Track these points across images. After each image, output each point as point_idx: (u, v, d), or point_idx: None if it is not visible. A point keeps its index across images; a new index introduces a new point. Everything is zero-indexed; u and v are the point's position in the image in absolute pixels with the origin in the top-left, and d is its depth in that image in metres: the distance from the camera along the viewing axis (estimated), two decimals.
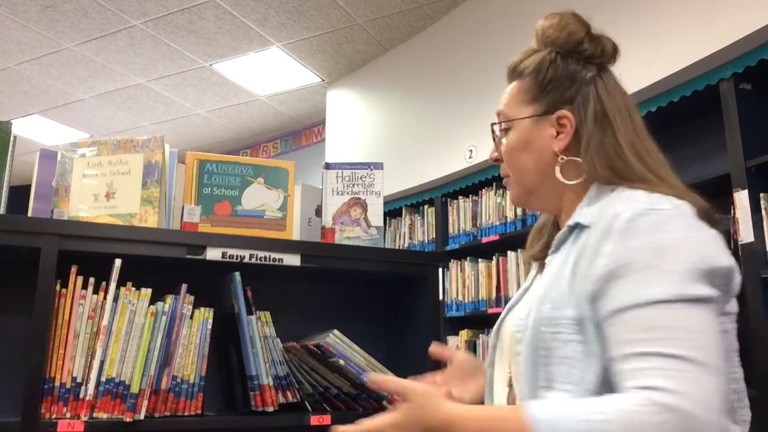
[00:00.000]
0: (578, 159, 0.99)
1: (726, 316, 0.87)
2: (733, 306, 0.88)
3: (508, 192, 1.11)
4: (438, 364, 1.28)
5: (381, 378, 0.94)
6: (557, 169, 1.00)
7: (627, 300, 0.80)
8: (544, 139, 1.02)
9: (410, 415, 0.85)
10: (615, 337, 0.81)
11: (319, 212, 1.88)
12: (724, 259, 0.84)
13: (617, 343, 0.80)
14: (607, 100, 1.01)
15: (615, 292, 0.82)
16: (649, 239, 0.83)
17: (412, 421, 0.85)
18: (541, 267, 1.07)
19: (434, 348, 1.19)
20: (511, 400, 0.98)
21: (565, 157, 1.00)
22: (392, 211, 4.02)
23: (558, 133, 1.01)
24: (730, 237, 2.22)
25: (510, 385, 1.00)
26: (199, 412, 1.52)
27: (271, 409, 1.55)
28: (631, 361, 0.77)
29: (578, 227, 0.94)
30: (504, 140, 1.06)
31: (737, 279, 0.87)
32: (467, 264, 3.46)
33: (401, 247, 3.95)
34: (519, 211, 3.22)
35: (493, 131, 1.09)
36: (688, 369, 0.74)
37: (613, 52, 1.05)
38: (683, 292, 0.79)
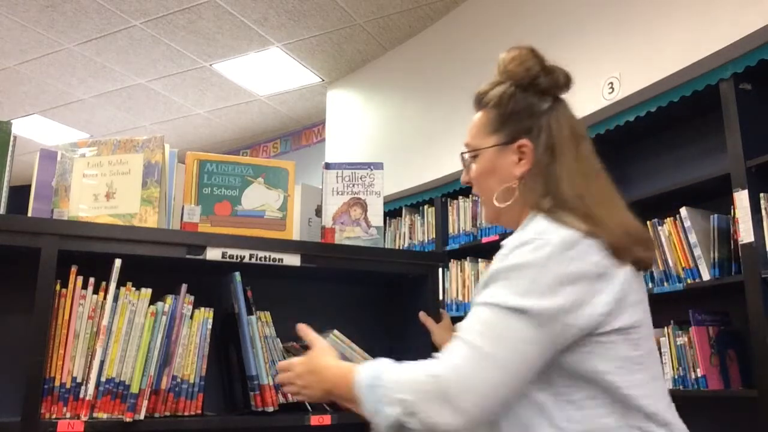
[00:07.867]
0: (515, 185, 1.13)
1: (612, 334, 0.97)
2: (622, 321, 0.98)
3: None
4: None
5: (305, 330, 1.24)
6: (516, 191, 1.12)
7: (474, 300, 1.01)
8: (508, 165, 1.14)
9: (312, 357, 1.17)
10: None
11: (319, 212, 1.88)
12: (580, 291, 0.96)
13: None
14: (556, 131, 1.12)
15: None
16: (515, 260, 0.98)
17: (311, 361, 1.16)
18: None
19: (423, 316, 1.70)
20: None
21: (516, 183, 1.12)
22: (392, 211, 4.01)
23: (519, 160, 1.12)
24: (729, 237, 2.22)
25: None
26: (199, 412, 1.52)
27: (271, 409, 1.55)
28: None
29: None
30: (473, 166, 1.18)
31: (594, 309, 0.96)
32: (467, 264, 3.46)
33: (401, 247, 3.94)
34: None
35: (462, 159, 1.21)
36: (472, 355, 0.92)
37: (565, 83, 1.16)
38: (505, 302, 0.94)
